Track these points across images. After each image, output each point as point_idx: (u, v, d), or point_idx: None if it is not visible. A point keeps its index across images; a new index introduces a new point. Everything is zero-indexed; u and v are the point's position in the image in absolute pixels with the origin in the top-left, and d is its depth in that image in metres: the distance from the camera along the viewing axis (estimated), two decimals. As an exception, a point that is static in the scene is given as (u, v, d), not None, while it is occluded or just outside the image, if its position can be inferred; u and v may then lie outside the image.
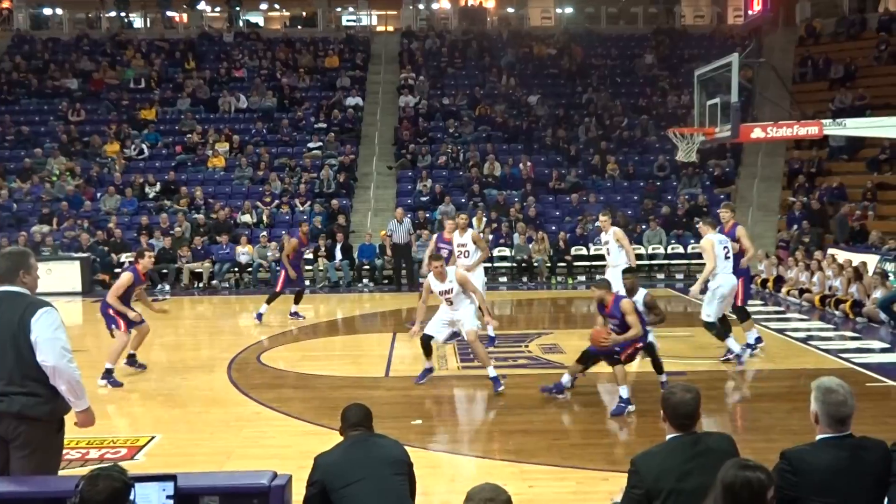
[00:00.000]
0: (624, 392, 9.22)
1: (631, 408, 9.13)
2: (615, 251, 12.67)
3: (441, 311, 10.59)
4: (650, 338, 9.92)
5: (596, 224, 22.66)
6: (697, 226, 12.01)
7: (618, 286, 10.89)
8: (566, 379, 9.93)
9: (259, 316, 15.26)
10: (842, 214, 21.37)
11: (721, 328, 11.62)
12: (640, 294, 10.14)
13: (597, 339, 9.52)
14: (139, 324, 11.21)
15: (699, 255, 22.07)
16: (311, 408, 9.58)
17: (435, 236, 14.44)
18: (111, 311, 11.00)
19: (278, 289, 15.64)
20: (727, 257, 11.48)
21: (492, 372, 10.21)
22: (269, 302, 15.39)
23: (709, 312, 11.46)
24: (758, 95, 23.21)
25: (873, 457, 4.11)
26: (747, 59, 16.43)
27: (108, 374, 10.75)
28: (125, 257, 21.16)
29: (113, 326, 11.00)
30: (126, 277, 11.17)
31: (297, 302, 15.96)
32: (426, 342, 10.47)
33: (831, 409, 4.10)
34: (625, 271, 10.83)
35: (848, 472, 4.02)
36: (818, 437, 4.18)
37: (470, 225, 13.69)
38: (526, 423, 9.06)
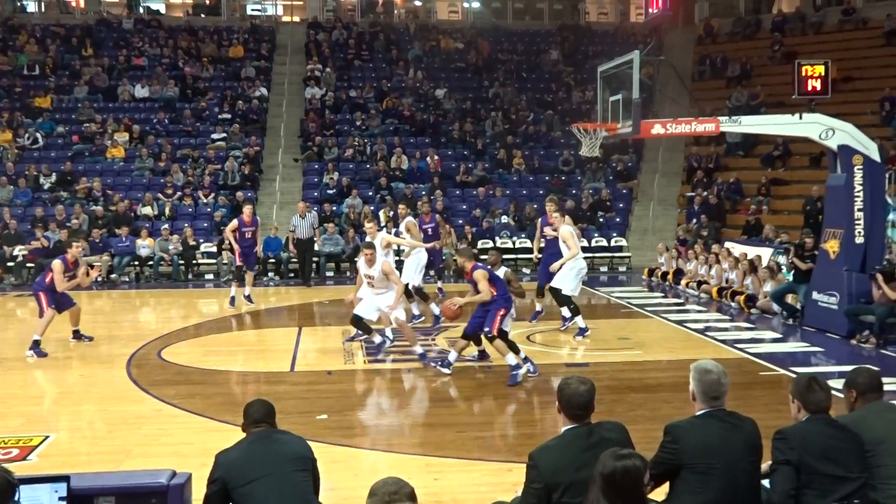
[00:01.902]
0: (511, 360, 10.01)
1: (522, 370, 9.96)
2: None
3: (368, 293, 11.59)
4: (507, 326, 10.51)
5: (502, 219, 23.03)
6: (554, 216, 13.49)
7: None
8: (453, 356, 10.62)
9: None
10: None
11: (576, 306, 13.23)
12: (501, 271, 11.17)
13: (446, 311, 10.76)
14: (68, 304, 12.73)
15: (603, 248, 22.79)
16: (214, 404, 9.41)
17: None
18: (39, 293, 12.45)
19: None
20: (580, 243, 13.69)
21: (419, 349, 11.26)
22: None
23: (562, 284, 13.04)
24: (658, 92, 23.77)
25: (745, 425, 4.56)
26: (648, 56, 16.75)
27: (35, 344, 11.98)
28: (18, 250, 20.46)
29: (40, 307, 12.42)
30: (57, 266, 12.47)
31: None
32: (357, 321, 11.58)
33: (706, 388, 4.57)
34: (491, 249, 11.86)
35: (723, 437, 4.45)
36: (696, 412, 4.61)
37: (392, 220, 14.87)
38: (432, 416, 9.10)
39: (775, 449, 4.45)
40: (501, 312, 10.17)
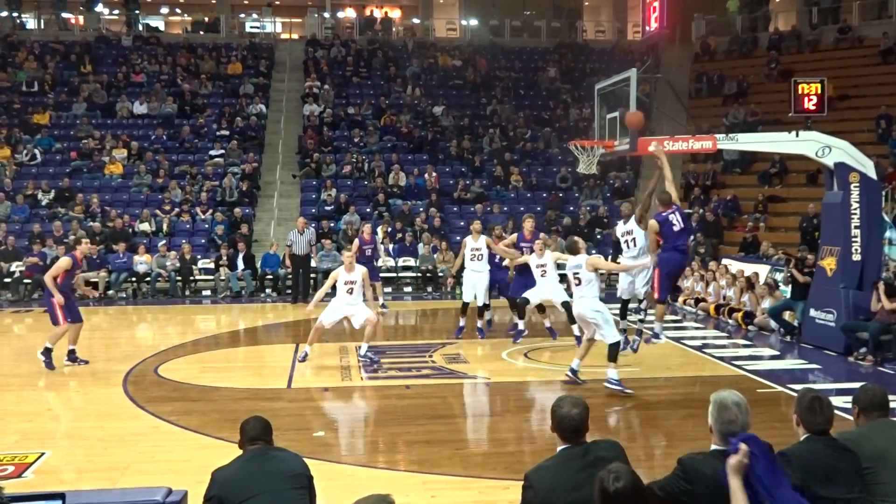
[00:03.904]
0: (657, 328, 11.86)
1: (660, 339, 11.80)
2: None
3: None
4: None
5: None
6: (537, 244, 13.97)
7: None
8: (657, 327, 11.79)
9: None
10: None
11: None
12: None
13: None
14: (74, 319, 12.18)
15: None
16: (211, 421, 9.38)
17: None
18: (52, 301, 11.92)
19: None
20: None
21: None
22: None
23: (565, 295, 13.70)
24: (655, 110, 23.81)
25: None
26: (645, 74, 16.85)
27: (47, 352, 11.94)
28: (15, 266, 20.44)
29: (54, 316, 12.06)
30: (65, 262, 12.08)
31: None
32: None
33: (722, 427, 4.32)
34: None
35: None
36: (712, 447, 4.36)
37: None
38: (428, 433, 9.07)
39: None
40: (657, 273, 11.83)
